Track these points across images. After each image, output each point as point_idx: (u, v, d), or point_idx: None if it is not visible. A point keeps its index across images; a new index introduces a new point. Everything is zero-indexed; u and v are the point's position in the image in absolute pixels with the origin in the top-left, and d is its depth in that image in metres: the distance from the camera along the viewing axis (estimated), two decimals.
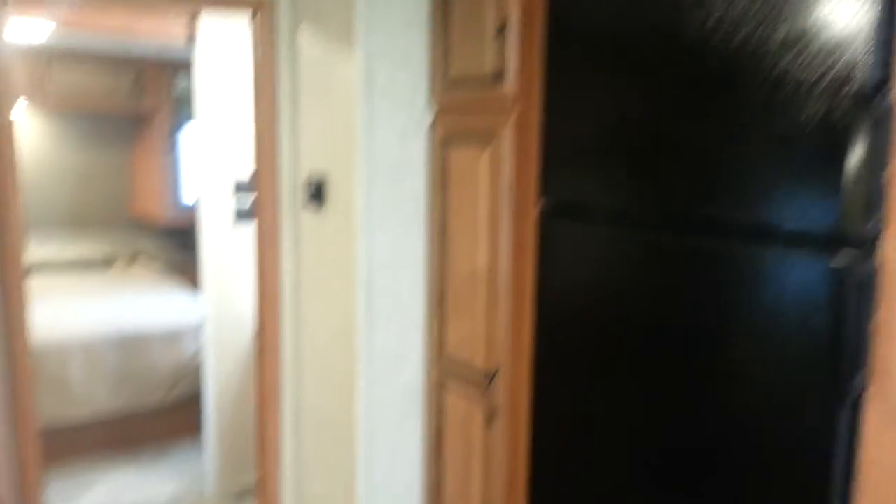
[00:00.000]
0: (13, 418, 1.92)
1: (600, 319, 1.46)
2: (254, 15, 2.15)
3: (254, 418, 3.37)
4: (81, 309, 3.63)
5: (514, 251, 1.68)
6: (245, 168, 3.20)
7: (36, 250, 4.59)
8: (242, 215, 3.19)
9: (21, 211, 1.89)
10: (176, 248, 5.41)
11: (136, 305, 3.81)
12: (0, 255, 1.84)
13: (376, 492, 1.96)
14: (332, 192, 1.97)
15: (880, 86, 1.02)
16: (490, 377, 1.77)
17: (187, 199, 4.65)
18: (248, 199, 3.18)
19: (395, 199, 1.90)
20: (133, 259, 5.07)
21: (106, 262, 4.82)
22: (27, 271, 1.87)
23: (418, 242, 1.95)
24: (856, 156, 1.04)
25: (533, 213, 1.64)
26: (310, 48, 2.07)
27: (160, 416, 3.69)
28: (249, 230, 3.21)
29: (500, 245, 1.71)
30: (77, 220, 5.03)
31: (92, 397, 3.40)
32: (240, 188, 3.18)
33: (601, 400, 1.47)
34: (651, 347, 1.35)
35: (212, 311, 3.21)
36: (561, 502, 1.58)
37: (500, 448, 1.75)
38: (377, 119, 1.86)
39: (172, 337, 3.61)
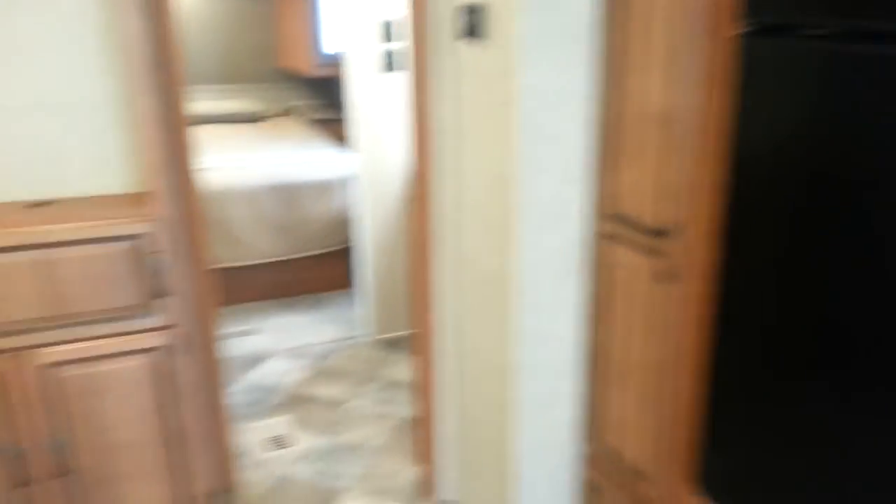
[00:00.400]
0: (190, 256, 2.00)
1: (814, 165, 1.21)
2: None
3: (404, 270, 3.43)
4: (240, 159, 3.75)
5: (704, 84, 1.42)
6: (393, 10, 3.02)
7: (191, 105, 4.77)
8: (391, 62, 3.06)
9: (181, 53, 1.86)
10: (321, 102, 5.45)
11: (289, 158, 3.88)
12: (165, 101, 1.84)
13: (534, 347, 1.89)
14: (491, 20, 1.77)
15: None
16: (665, 231, 1.58)
17: (331, 48, 4.55)
18: (397, 45, 3.03)
19: (561, 25, 1.66)
20: (282, 114, 5.17)
21: (257, 117, 4.93)
22: (190, 119, 1.86)
23: (586, 77, 1.73)
24: None
25: (729, 37, 1.36)
26: None
27: (316, 265, 3.85)
28: (398, 77, 3.09)
29: (685, 77, 1.45)
30: (227, 76, 5.15)
31: (254, 244, 3.58)
32: (388, 33, 3.03)
33: (805, 262, 1.25)
34: (882, 200, 1.10)
35: (363, 163, 3.19)
36: (743, 373, 1.42)
37: (672, 310, 1.59)
38: None
39: (324, 188, 3.67)
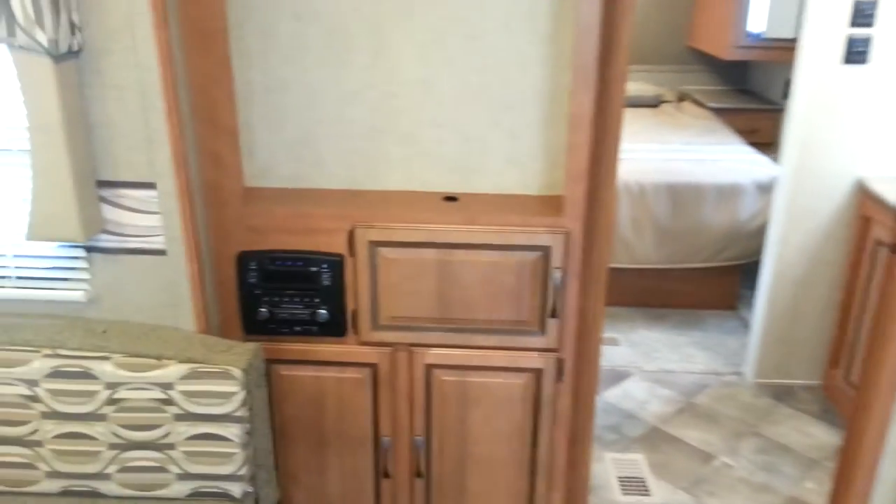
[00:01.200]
0: (588, 275, 1.72)
1: None
2: None
3: (819, 308, 2.75)
4: (632, 149, 3.38)
5: None
6: None
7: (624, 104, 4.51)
8: (859, 52, 2.40)
9: (629, 45, 1.53)
10: (726, 89, 4.81)
11: (688, 152, 3.41)
12: (602, 100, 1.54)
13: None
14: None
15: None
16: None
17: (760, 29, 3.86)
18: (872, 31, 2.36)
19: None
20: (684, 99, 4.66)
21: (657, 101, 4.49)
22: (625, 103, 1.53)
23: None
24: None
25: None
26: None
27: (697, 278, 3.36)
28: (866, 72, 2.42)
29: None
30: (634, 56, 4.78)
31: (634, 247, 3.22)
32: (860, 16, 2.36)
33: None
34: None
35: (789, 169, 2.60)
36: None
37: None
38: None
39: (727, 193, 3.13)
